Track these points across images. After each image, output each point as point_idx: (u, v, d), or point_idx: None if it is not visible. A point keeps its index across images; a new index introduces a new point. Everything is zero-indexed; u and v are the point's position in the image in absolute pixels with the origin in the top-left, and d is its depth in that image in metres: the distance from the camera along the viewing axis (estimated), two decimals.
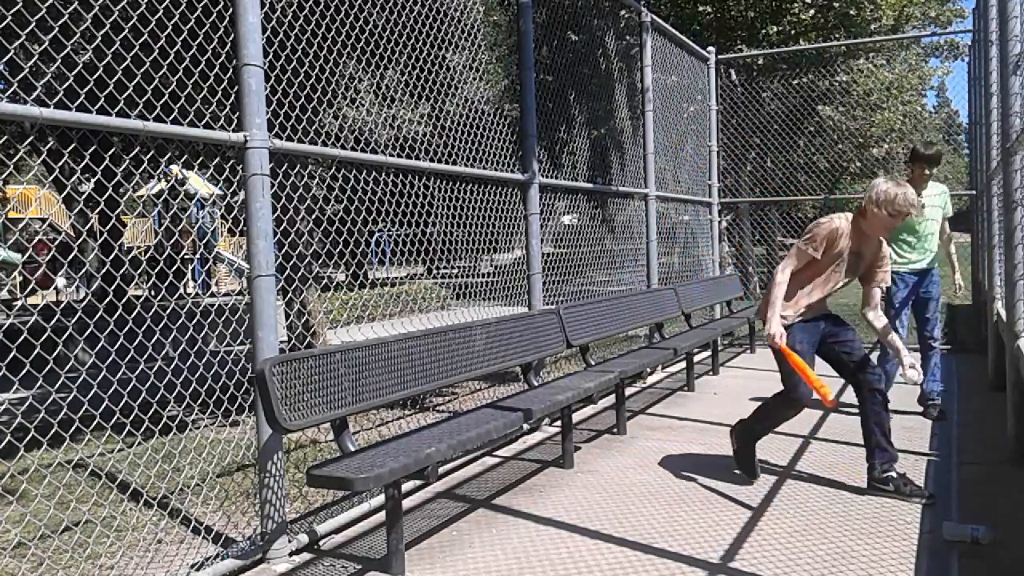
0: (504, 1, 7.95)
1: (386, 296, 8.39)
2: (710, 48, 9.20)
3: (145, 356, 3.12)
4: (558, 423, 4.79)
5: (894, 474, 3.70)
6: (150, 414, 3.24)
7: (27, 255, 15.57)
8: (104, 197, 3.72)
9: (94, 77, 2.86)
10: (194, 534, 3.59)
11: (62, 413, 2.97)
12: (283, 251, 3.73)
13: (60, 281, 17.55)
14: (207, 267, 20.58)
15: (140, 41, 2.99)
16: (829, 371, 3.94)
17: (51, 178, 13.14)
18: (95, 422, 3.18)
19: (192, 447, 4.70)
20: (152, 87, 3.00)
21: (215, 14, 3.28)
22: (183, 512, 3.90)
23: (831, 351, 3.85)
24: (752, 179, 12.14)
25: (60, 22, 2.88)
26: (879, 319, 3.85)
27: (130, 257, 17.42)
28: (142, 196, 21.63)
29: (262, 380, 2.82)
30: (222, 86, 3.21)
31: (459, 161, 4.83)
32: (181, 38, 3.10)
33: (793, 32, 12.92)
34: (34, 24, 2.53)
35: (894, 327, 5.40)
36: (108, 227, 10.41)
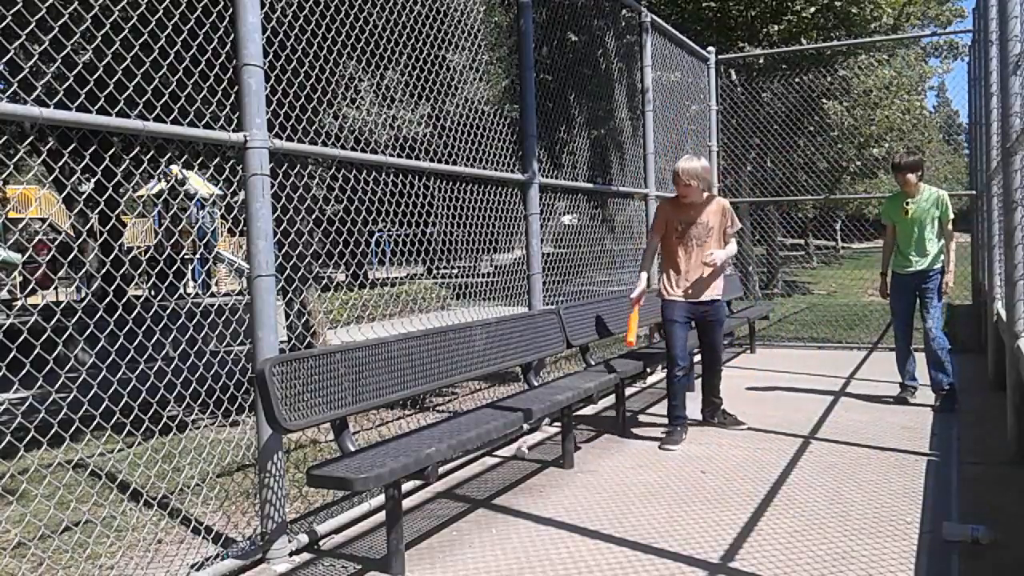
0: (504, 1, 7.94)
1: (386, 296, 8.39)
2: (710, 48, 9.20)
3: (145, 356, 3.12)
4: (558, 423, 4.79)
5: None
6: (150, 414, 3.24)
7: (27, 255, 15.56)
8: (104, 197, 3.71)
9: (94, 77, 2.86)
10: (194, 534, 3.58)
11: (62, 413, 2.96)
12: (283, 251, 3.73)
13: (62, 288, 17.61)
14: (207, 267, 20.55)
15: (140, 41, 2.99)
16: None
17: (51, 178, 13.14)
18: (95, 422, 3.18)
19: (192, 447, 4.70)
20: (152, 87, 3.00)
21: (215, 14, 3.28)
22: (183, 512, 3.89)
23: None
24: (752, 179, 12.14)
25: (60, 22, 2.87)
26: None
27: (130, 257, 17.40)
28: (142, 196, 21.61)
29: (262, 380, 2.82)
30: (222, 86, 3.21)
31: (459, 161, 4.83)
32: (181, 38, 3.10)
33: (794, 31, 12.92)
34: (34, 24, 2.53)
35: (902, 326, 5.52)
36: (108, 227, 10.40)
